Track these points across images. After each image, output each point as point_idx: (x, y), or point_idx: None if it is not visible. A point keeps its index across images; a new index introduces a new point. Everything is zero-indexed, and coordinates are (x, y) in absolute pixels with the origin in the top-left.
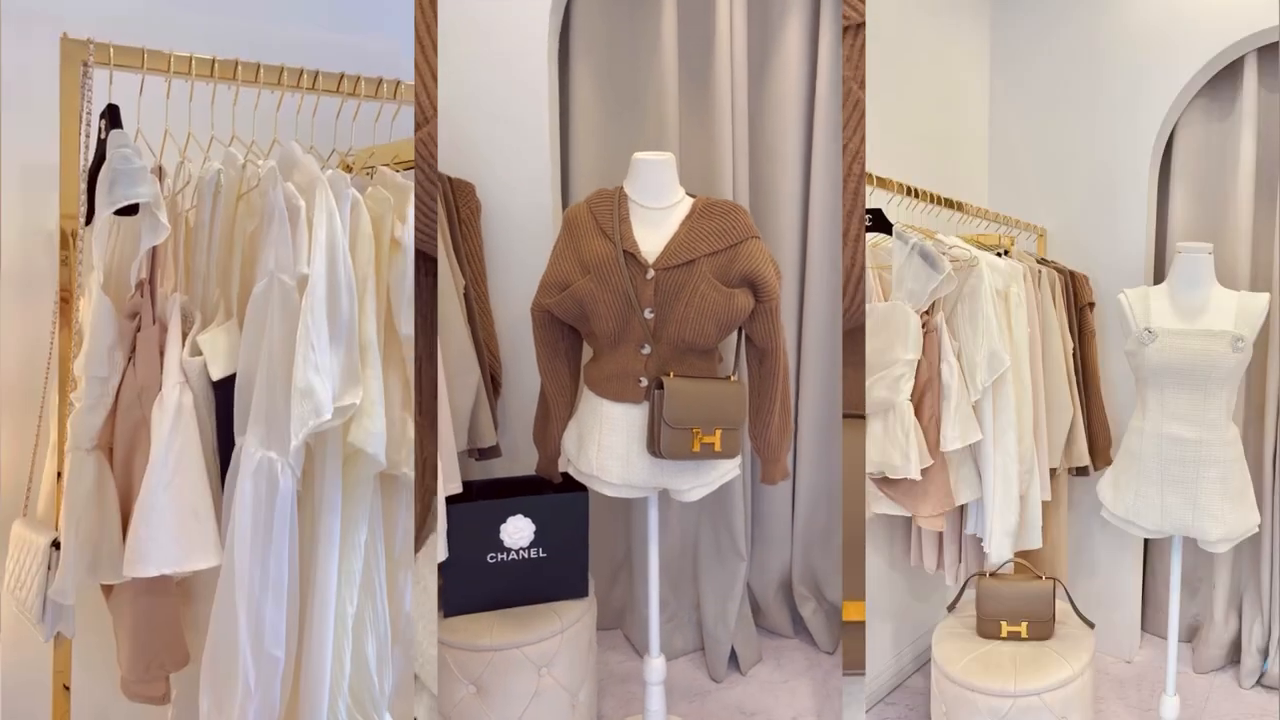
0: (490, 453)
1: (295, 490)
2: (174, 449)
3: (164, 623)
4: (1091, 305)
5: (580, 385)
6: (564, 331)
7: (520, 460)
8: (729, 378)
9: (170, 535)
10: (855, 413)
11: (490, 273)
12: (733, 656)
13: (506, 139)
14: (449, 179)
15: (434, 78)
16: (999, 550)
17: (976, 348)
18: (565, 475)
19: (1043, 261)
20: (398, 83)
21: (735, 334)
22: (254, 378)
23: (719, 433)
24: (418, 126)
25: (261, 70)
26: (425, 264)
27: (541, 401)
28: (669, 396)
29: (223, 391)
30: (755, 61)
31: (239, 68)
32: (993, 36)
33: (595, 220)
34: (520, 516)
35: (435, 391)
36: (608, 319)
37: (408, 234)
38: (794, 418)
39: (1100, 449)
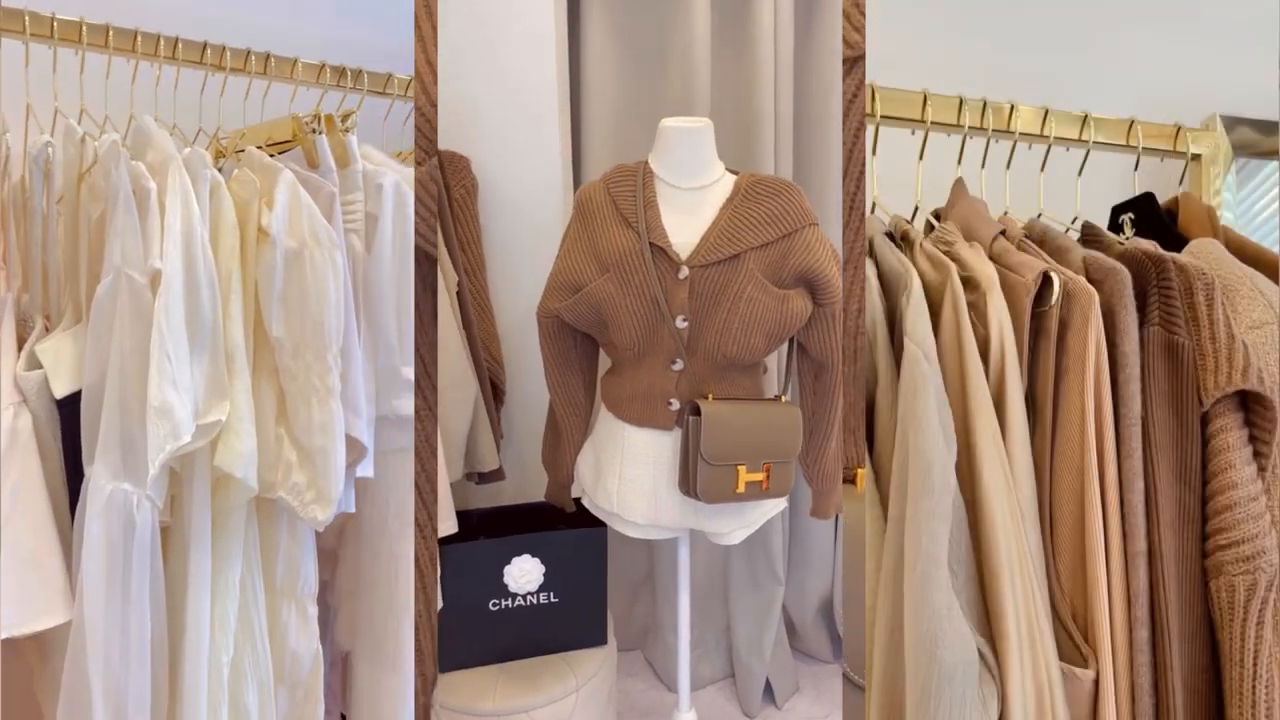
0: (492, 476)
1: (156, 527)
2: (8, 485)
3: (11, 691)
4: None
5: (597, 401)
6: (577, 339)
7: (528, 481)
8: (779, 398)
9: (7, 591)
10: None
11: (489, 262)
12: (767, 687)
13: (507, 103)
14: (438, 152)
15: (434, 31)
16: None
17: None
18: (579, 502)
19: None
20: (268, 56)
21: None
22: (102, 394)
23: (768, 468)
24: (416, 98)
25: (111, 34)
26: (425, 267)
27: (551, 419)
28: (707, 426)
29: (71, 411)
30: (802, 6)
31: (84, 29)
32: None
33: (614, 204)
34: (527, 557)
35: (435, 419)
36: (631, 328)
37: (277, 222)
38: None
39: None
